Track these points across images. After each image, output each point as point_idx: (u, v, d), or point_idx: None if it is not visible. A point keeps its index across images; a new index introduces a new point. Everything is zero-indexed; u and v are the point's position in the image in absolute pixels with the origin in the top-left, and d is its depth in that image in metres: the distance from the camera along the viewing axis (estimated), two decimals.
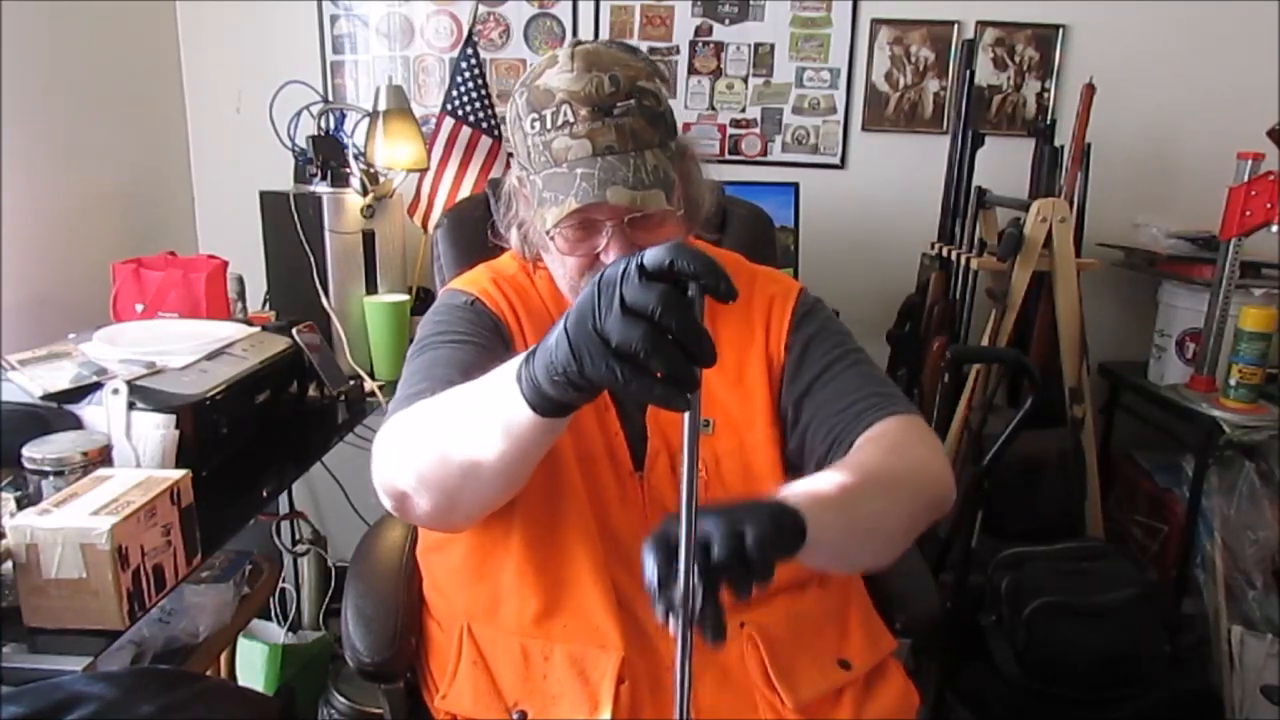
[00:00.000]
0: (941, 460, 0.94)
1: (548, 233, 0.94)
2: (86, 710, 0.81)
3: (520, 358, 0.71)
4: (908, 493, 0.88)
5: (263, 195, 1.84)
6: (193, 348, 1.43)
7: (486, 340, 1.00)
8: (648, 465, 1.03)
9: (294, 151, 1.91)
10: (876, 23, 2.18)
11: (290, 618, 2.12)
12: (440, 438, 0.80)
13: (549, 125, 0.91)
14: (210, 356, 1.43)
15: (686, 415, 0.63)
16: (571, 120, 0.89)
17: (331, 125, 1.98)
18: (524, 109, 0.93)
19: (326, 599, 2.13)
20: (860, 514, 0.82)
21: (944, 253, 2.09)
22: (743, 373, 1.04)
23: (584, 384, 0.63)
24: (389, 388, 1.76)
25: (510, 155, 2.01)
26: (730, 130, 2.27)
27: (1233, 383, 1.86)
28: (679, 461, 1.01)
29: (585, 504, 0.99)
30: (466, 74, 1.99)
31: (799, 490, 0.78)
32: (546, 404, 0.68)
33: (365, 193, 1.86)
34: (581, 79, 0.89)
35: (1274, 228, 1.79)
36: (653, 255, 0.60)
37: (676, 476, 1.02)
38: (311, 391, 1.66)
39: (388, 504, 0.87)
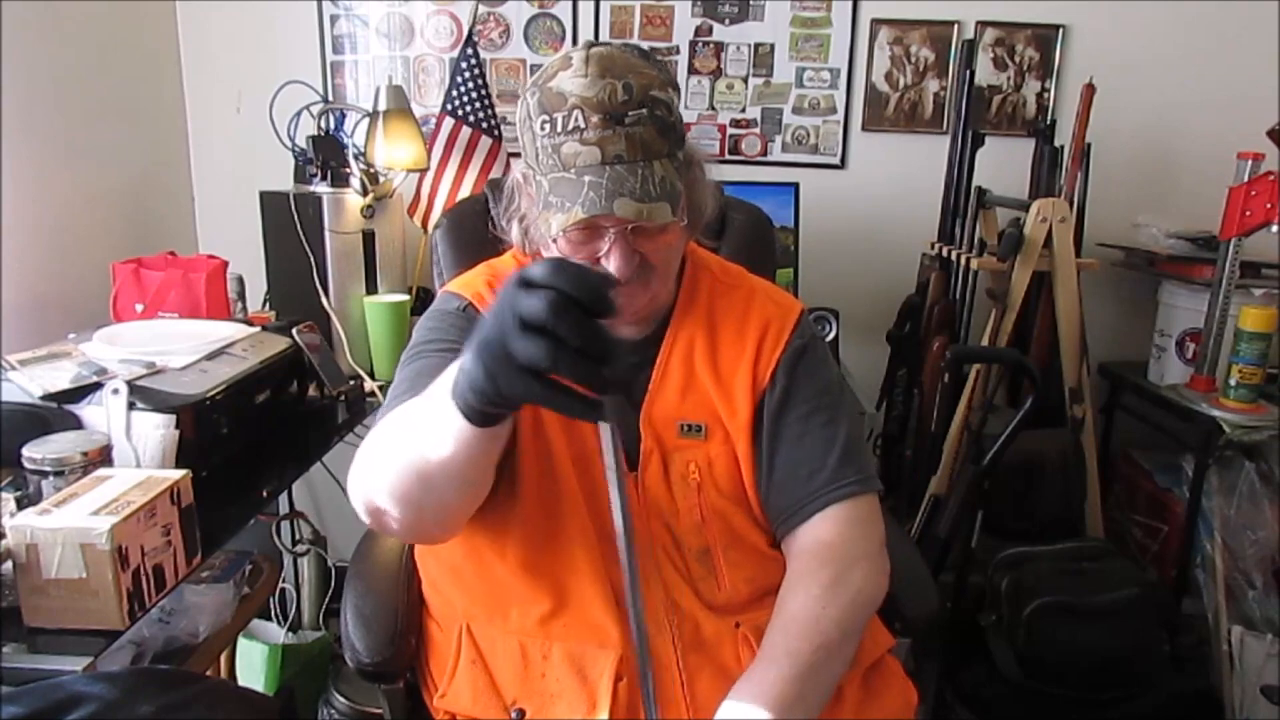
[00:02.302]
0: (878, 565, 0.99)
1: (552, 237, 0.94)
2: (86, 710, 0.81)
3: (457, 365, 0.71)
4: (851, 639, 0.95)
5: (263, 195, 1.84)
6: (193, 348, 1.43)
7: None
8: (641, 466, 1.03)
9: (294, 151, 1.91)
10: (876, 23, 2.18)
11: (290, 618, 2.12)
12: (397, 449, 0.80)
13: (559, 129, 0.90)
14: (210, 356, 1.43)
15: (604, 429, 0.63)
16: (582, 126, 0.89)
17: (331, 125, 1.97)
18: (535, 109, 0.92)
19: (326, 599, 2.13)
20: (819, 692, 0.89)
21: (944, 253, 2.09)
22: (732, 387, 1.04)
23: (503, 401, 0.64)
24: (389, 388, 1.76)
25: (511, 155, 2.04)
26: (730, 130, 2.27)
27: (1233, 383, 1.86)
28: (672, 462, 1.02)
29: (581, 505, 0.99)
30: (466, 74, 1.99)
31: (763, 701, 0.84)
32: (478, 416, 0.69)
33: (365, 193, 1.86)
34: (595, 85, 0.88)
35: (1274, 228, 1.79)
36: (535, 271, 0.60)
37: (670, 477, 1.02)
38: (311, 391, 1.66)
39: (366, 521, 0.88)
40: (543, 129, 0.91)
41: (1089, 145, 1.98)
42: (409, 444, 0.79)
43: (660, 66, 0.95)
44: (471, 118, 2.00)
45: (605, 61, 0.90)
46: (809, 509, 0.99)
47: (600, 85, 0.88)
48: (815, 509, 0.99)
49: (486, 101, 2.01)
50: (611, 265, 0.93)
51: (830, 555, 0.97)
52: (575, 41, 2.21)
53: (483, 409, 0.68)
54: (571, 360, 0.59)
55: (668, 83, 0.94)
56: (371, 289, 1.91)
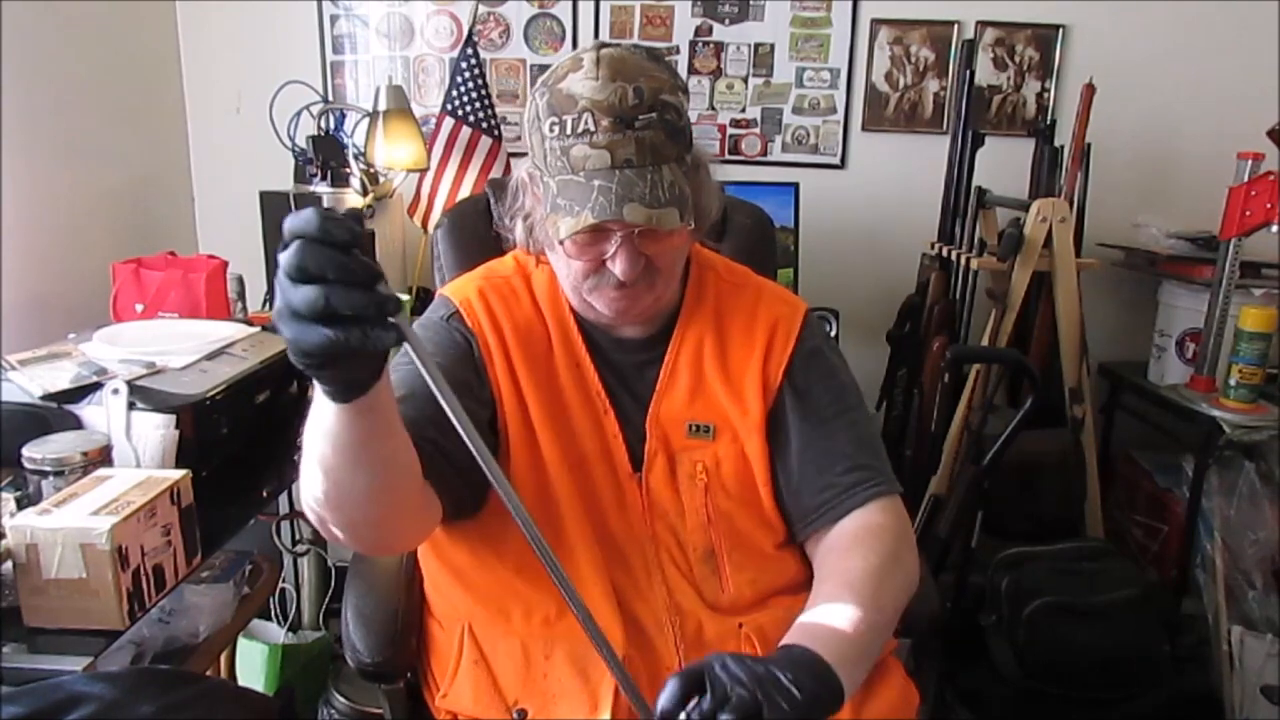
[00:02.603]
0: (915, 558, 1.00)
1: (560, 240, 0.94)
2: (86, 710, 0.81)
3: None
4: (895, 619, 0.94)
5: (263, 195, 1.85)
6: (193, 348, 1.43)
7: (448, 362, 1.00)
8: (646, 466, 1.03)
9: (294, 151, 1.91)
10: (876, 23, 2.18)
11: (290, 618, 2.11)
12: (308, 452, 0.80)
13: (569, 131, 0.89)
14: (210, 356, 1.43)
15: (410, 350, 0.64)
16: (592, 129, 0.88)
17: (331, 125, 1.98)
18: (544, 110, 0.91)
19: (326, 599, 2.13)
20: (871, 658, 0.89)
21: (944, 253, 2.09)
22: (741, 386, 1.04)
23: (321, 359, 0.65)
24: None
25: (511, 155, 2.03)
26: (730, 130, 2.27)
27: (1233, 383, 1.86)
28: (678, 462, 1.02)
29: (578, 507, 1.00)
30: (466, 74, 1.99)
31: (832, 642, 0.81)
32: (333, 391, 0.69)
33: (365, 193, 1.86)
34: (606, 88, 0.88)
35: (1274, 228, 1.79)
36: (284, 226, 0.62)
37: (675, 478, 1.03)
38: (311, 391, 1.66)
39: (323, 534, 0.87)
40: (552, 130, 0.90)
41: (1089, 145, 1.99)
42: (312, 448, 0.79)
43: (670, 69, 0.95)
44: (471, 118, 2.00)
45: (616, 64, 0.89)
46: (849, 504, 1.00)
47: (611, 88, 0.88)
48: (856, 504, 0.99)
49: (486, 101, 2.01)
50: (618, 268, 0.94)
51: (884, 535, 0.98)
52: (575, 42, 2.21)
53: (329, 382, 0.68)
54: (342, 293, 0.60)
55: (677, 86, 0.94)
56: None
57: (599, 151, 0.88)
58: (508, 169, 2.02)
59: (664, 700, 0.71)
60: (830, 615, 0.86)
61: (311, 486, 0.81)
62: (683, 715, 0.70)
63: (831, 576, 0.94)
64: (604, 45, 0.91)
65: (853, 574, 0.92)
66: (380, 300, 0.62)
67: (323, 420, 0.74)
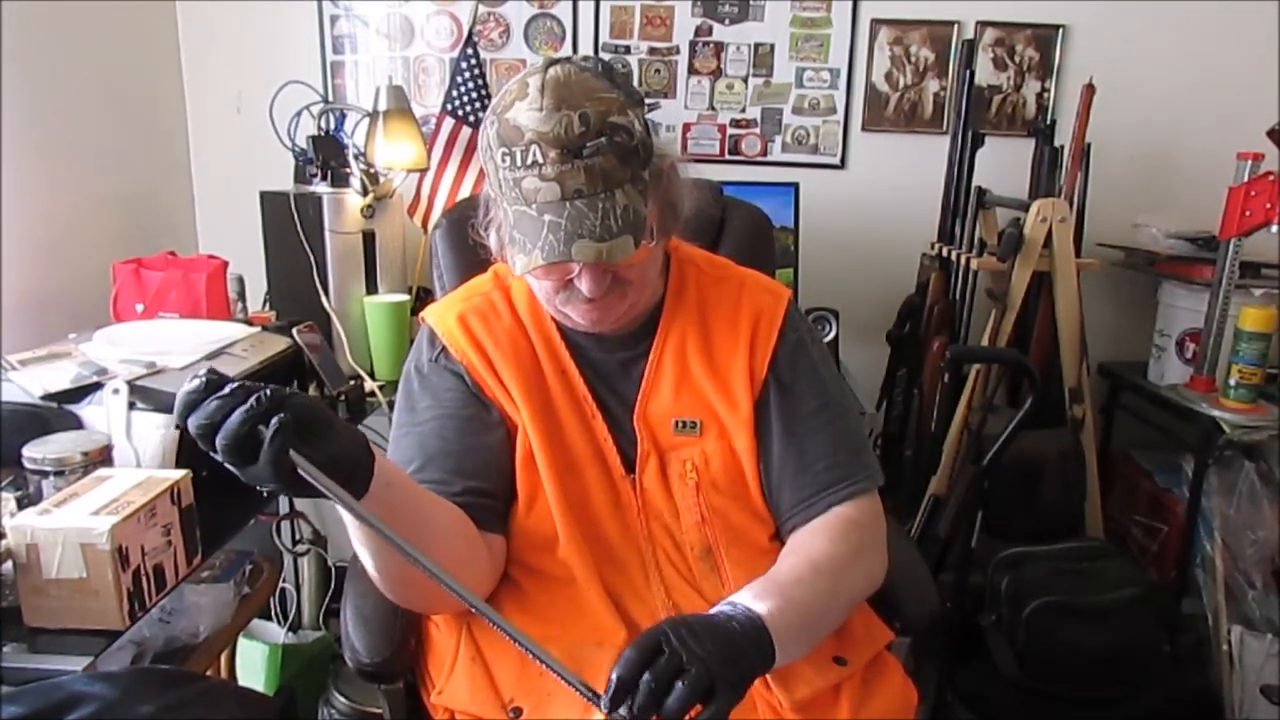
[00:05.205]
0: (882, 558, 1.03)
1: (517, 275, 0.95)
2: (86, 710, 0.81)
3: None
4: (845, 613, 1.00)
5: (263, 195, 1.84)
6: (193, 348, 1.43)
7: (454, 406, 1.03)
8: (639, 468, 1.04)
9: (294, 152, 1.91)
10: (876, 23, 2.18)
11: (290, 618, 2.11)
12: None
13: (518, 163, 0.88)
14: (210, 356, 1.43)
15: (309, 474, 0.68)
16: (541, 161, 0.87)
17: (332, 125, 1.97)
18: (494, 141, 0.90)
19: (326, 599, 2.13)
20: (814, 640, 0.94)
21: (944, 253, 2.09)
22: (728, 379, 1.04)
23: (274, 490, 0.70)
24: (389, 388, 1.76)
25: None
26: (730, 130, 2.27)
27: (1232, 383, 1.86)
28: (668, 461, 1.03)
29: (573, 513, 1.00)
30: (466, 74, 1.99)
31: (782, 613, 0.85)
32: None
33: (365, 193, 1.86)
34: (551, 119, 0.86)
35: (1274, 228, 1.78)
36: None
37: (667, 477, 1.03)
38: (311, 391, 1.66)
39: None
40: (503, 160, 0.89)
41: (1089, 145, 1.99)
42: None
43: (622, 84, 0.92)
44: (471, 118, 2.00)
45: (562, 90, 0.87)
46: (827, 501, 1.01)
47: (556, 119, 0.86)
48: (833, 501, 1.01)
49: (487, 102, 2.00)
50: (584, 287, 0.94)
51: (854, 529, 1.01)
52: (575, 42, 2.21)
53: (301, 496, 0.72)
54: (223, 444, 0.66)
55: (629, 103, 0.91)
56: (372, 289, 1.91)
57: (549, 184, 0.87)
58: None
59: (620, 669, 0.74)
60: (789, 586, 0.90)
61: (368, 570, 0.88)
62: (641, 681, 0.73)
63: (797, 551, 0.98)
64: (552, 63, 0.89)
65: (818, 553, 0.96)
66: (264, 450, 0.66)
67: (345, 519, 0.78)
